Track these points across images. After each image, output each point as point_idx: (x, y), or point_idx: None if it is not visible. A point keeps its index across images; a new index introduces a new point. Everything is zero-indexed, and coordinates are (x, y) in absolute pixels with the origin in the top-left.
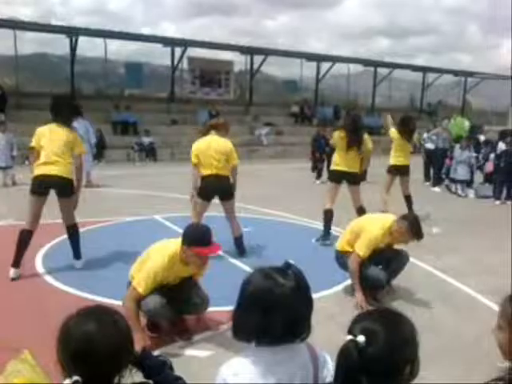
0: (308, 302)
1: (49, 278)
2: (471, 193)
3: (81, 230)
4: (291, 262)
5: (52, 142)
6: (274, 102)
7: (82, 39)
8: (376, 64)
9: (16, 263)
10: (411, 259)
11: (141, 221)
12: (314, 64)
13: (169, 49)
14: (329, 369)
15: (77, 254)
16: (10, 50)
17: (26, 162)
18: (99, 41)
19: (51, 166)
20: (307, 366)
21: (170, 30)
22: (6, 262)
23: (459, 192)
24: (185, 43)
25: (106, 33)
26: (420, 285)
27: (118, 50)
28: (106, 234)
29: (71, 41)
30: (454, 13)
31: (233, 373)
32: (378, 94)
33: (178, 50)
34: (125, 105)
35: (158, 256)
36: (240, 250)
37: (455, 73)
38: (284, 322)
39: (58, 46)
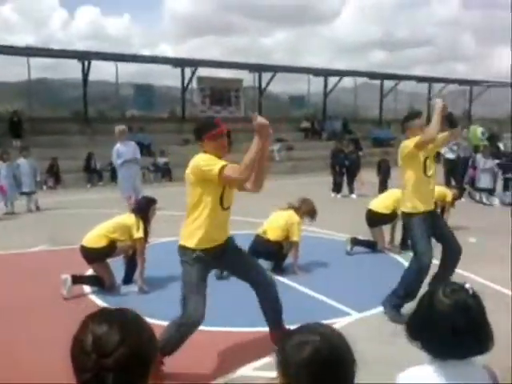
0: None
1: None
2: (496, 201)
3: None
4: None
5: None
6: (282, 118)
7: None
8: (382, 76)
9: None
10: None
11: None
12: (315, 79)
13: (169, 69)
14: None
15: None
16: (10, 77)
17: (44, 187)
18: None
19: None
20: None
21: (168, 51)
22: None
23: (484, 200)
24: (195, 63)
25: (117, 56)
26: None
27: (119, 72)
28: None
29: (83, 65)
30: (447, 24)
31: (413, 380)
32: (377, 106)
33: (176, 70)
34: (138, 126)
35: (199, 156)
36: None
37: (459, 82)
38: (472, 339)
39: (58, 70)
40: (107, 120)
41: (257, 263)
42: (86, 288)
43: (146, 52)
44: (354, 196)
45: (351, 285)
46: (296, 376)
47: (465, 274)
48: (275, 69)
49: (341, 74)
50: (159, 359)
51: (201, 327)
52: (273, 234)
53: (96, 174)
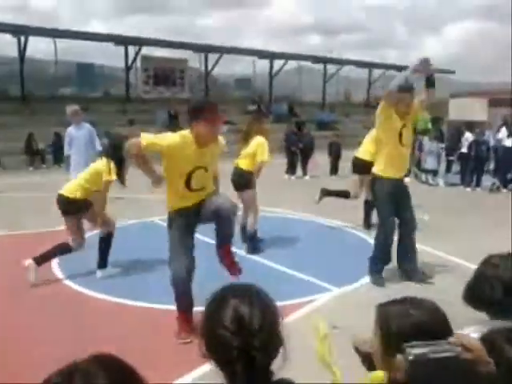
0: None
1: (69, 283)
2: (441, 181)
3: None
4: None
5: None
6: (228, 101)
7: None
8: (325, 60)
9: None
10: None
11: (141, 224)
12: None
13: (101, 47)
14: None
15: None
16: None
17: None
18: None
19: None
20: None
21: (100, 29)
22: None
23: (430, 181)
24: (140, 42)
25: (57, 32)
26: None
27: (45, 49)
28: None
29: (19, 41)
30: (380, 10)
31: None
32: (311, 89)
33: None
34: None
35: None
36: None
37: (399, 68)
38: None
39: None
40: (43, 99)
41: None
42: (58, 273)
43: (75, 29)
44: (307, 177)
45: (324, 261)
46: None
47: (425, 248)
48: (222, 50)
49: (286, 57)
50: (183, 316)
51: None
52: (243, 164)
53: (38, 155)
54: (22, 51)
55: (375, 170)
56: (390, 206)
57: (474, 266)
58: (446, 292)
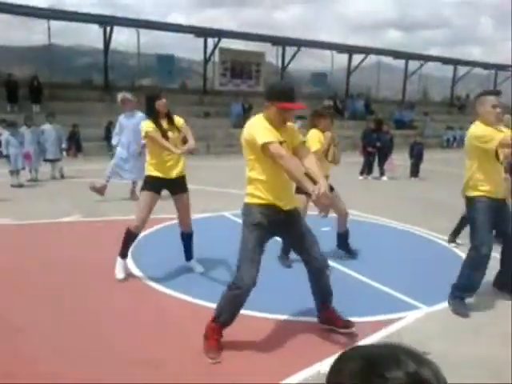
0: None
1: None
2: None
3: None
4: None
5: None
6: (303, 96)
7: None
8: (407, 56)
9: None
10: None
11: (212, 218)
12: (340, 56)
13: (178, 39)
14: None
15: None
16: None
17: (64, 154)
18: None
19: None
20: None
21: (180, 21)
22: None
23: None
24: (218, 34)
25: (140, 22)
26: None
27: (127, 41)
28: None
29: (104, 31)
30: (465, 5)
31: None
32: (388, 86)
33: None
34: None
35: (254, 122)
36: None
37: (485, 66)
38: None
39: (66, 37)
40: (124, 89)
41: (315, 244)
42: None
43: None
44: (384, 178)
45: (411, 273)
46: None
47: None
48: (300, 43)
49: (366, 51)
50: (218, 329)
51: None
52: None
53: None
54: (107, 42)
55: (468, 192)
56: (489, 229)
57: None
58: None
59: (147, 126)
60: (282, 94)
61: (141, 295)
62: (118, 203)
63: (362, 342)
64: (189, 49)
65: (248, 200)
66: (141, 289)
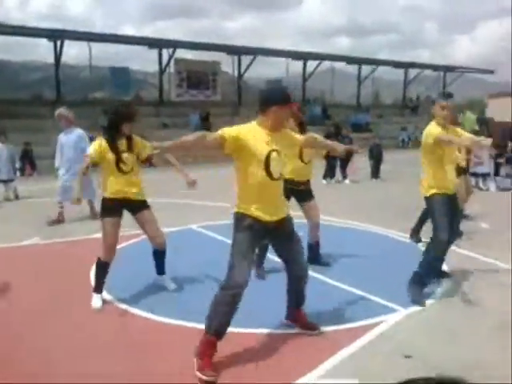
0: None
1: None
2: (492, 186)
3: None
4: None
5: None
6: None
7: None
8: (360, 61)
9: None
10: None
11: (179, 232)
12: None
13: (130, 51)
14: None
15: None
16: None
17: (18, 174)
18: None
19: None
20: None
21: (132, 33)
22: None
23: (480, 185)
24: (173, 44)
25: (91, 35)
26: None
27: (78, 54)
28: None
29: (55, 45)
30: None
31: None
32: (342, 91)
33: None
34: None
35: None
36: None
37: (435, 68)
38: None
39: (15, 52)
40: (75, 103)
41: (301, 254)
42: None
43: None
44: (347, 181)
45: (384, 276)
46: None
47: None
48: (256, 51)
49: (321, 57)
50: (212, 343)
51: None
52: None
53: None
54: (57, 55)
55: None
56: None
57: None
58: None
59: (100, 147)
60: (284, 96)
61: (110, 317)
62: (78, 223)
63: (346, 350)
64: (143, 60)
65: (237, 210)
66: (110, 311)
